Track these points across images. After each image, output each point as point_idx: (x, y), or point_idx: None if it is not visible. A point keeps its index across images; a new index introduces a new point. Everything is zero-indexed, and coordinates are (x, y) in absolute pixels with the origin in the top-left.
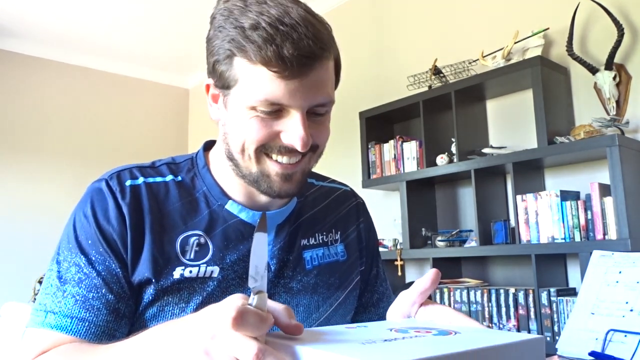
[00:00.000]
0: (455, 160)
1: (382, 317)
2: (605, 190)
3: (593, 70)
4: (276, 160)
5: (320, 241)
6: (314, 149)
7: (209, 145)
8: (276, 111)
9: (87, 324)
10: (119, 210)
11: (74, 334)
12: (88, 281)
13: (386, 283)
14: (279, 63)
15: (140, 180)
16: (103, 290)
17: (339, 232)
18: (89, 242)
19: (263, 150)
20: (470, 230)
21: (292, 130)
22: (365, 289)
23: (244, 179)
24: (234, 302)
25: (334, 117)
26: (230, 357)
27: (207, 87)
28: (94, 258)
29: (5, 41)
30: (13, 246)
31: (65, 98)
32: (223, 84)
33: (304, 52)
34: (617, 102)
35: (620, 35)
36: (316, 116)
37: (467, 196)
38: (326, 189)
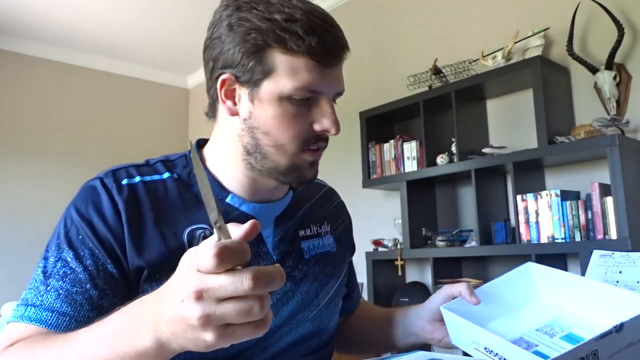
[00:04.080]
0: (455, 160)
1: (351, 306)
2: (605, 190)
3: (593, 70)
4: (309, 149)
5: (315, 232)
6: (326, 145)
7: (201, 142)
8: (307, 99)
9: (67, 318)
10: (114, 207)
11: (53, 328)
12: (73, 275)
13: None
14: (322, 52)
15: (137, 178)
16: (87, 286)
17: (329, 225)
18: (79, 237)
19: (302, 146)
20: (471, 230)
21: (326, 116)
22: (351, 270)
23: (262, 173)
24: (201, 248)
25: None
26: (229, 303)
27: (223, 82)
28: (82, 253)
29: (5, 41)
30: (13, 246)
31: (65, 98)
32: (251, 76)
33: (340, 43)
34: (617, 101)
35: (621, 35)
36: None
37: (467, 196)
38: (315, 185)
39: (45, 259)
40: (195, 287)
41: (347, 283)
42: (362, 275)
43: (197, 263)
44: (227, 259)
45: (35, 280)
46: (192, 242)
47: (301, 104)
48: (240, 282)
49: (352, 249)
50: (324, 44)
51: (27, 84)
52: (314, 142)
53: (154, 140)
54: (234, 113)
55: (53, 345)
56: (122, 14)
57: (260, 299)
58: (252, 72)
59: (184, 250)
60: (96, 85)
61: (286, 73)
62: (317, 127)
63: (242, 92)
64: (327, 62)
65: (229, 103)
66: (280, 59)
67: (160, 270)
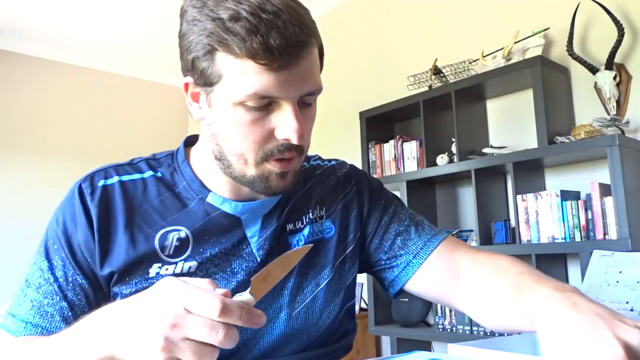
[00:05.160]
0: (455, 160)
1: (429, 241)
2: (605, 190)
3: (593, 70)
4: (275, 159)
5: (307, 221)
6: (300, 151)
7: (190, 140)
8: (266, 105)
9: (39, 330)
10: (86, 214)
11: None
12: (46, 287)
13: (412, 212)
14: (266, 55)
15: (115, 179)
16: (57, 298)
17: (324, 208)
18: (55, 247)
19: (263, 157)
20: (471, 230)
21: (286, 123)
22: (395, 224)
23: (234, 180)
24: (205, 292)
25: (334, 117)
26: (196, 342)
27: (186, 85)
28: (55, 263)
29: (5, 41)
30: (13, 246)
31: (65, 98)
32: (205, 81)
33: (292, 41)
34: (618, 101)
35: (621, 35)
36: (305, 106)
37: (467, 196)
38: (311, 168)
39: (31, 266)
40: (174, 320)
41: (398, 226)
42: (362, 275)
43: (192, 302)
44: (228, 315)
45: (19, 289)
46: (164, 245)
47: (259, 110)
48: (215, 333)
49: (378, 203)
50: (268, 45)
51: (27, 84)
52: (280, 152)
53: (154, 140)
54: (200, 118)
55: (27, 350)
56: (122, 14)
57: (215, 350)
58: (205, 77)
59: (155, 254)
60: (96, 85)
61: (235, 78)
62: (278, 134)
63: (202, 97)
64: (277, 65)
65: (196, 106)
66: (227, 63)
67: (129, 273)
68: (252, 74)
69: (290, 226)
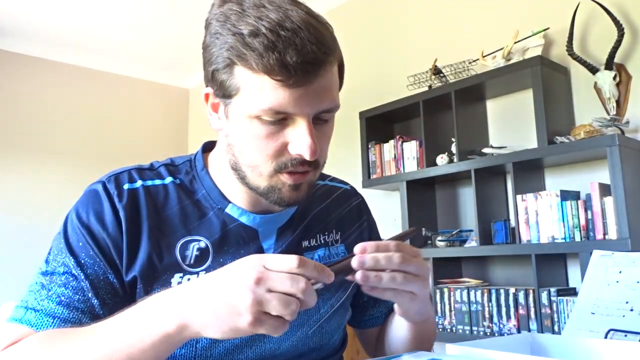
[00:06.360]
0: (455, 160)
1: (391, 308)
2: (605, 190)
3: (593, 70)
4: (287, 172)
5: (322, 242)
6: (316, 165)
7: (207, 146)
8: (281, 119)
9: (69, 325)
10: (115, 214)
11: None
12: (75, 283)
13: None
14: (282, 71)
15: (139, 183)
16: (89, 294)
17: (339, 233)
18: (80, 244)
19: (277, 169)
20: (471, 230)
21: (299, 139)
22: None
23: (251, 190)
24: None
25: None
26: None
27: (207, 96)
28: (83, 261)
29: (5, 41)
30: (13, 246)
31: (65, 98)
32: (224, 93)
33: (308, 59)
34: (617, 101)
35: (620, 35)
36: (321, 122)
37: (467, 196)
38: (327, 188)
39: (47, 262)
40: (258, 275)
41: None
42: None
43: (270, 260)
44: (305, 265)
45: (36, 284)
46: (185, 254)
47: (274, 124)
48: (296, 283)
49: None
50: (284, 61)
51: (27, 84)
52: (293, 165)
53: (154, 140)
54: (219, 128)
55: (71, 338)
56: (121, 14)
57: (297, 301)
58: (224, 89)
59: (177, 264)
60: (96, 85)
61: (252, 92)
62: (291, 149)
63: (221, 108)
64: (292, 82)
65: (215, 116)
66: (245, 77)
67: (151, 282)
68: (268, 89)
69: (305, 243)
